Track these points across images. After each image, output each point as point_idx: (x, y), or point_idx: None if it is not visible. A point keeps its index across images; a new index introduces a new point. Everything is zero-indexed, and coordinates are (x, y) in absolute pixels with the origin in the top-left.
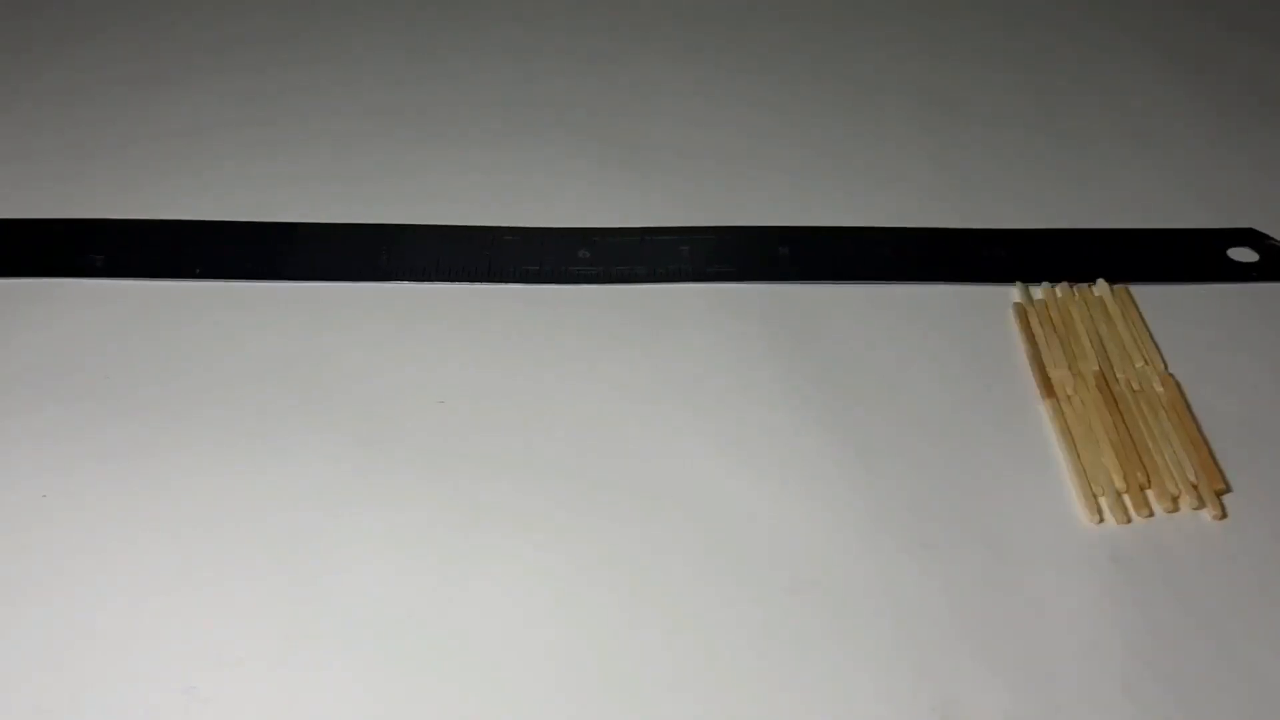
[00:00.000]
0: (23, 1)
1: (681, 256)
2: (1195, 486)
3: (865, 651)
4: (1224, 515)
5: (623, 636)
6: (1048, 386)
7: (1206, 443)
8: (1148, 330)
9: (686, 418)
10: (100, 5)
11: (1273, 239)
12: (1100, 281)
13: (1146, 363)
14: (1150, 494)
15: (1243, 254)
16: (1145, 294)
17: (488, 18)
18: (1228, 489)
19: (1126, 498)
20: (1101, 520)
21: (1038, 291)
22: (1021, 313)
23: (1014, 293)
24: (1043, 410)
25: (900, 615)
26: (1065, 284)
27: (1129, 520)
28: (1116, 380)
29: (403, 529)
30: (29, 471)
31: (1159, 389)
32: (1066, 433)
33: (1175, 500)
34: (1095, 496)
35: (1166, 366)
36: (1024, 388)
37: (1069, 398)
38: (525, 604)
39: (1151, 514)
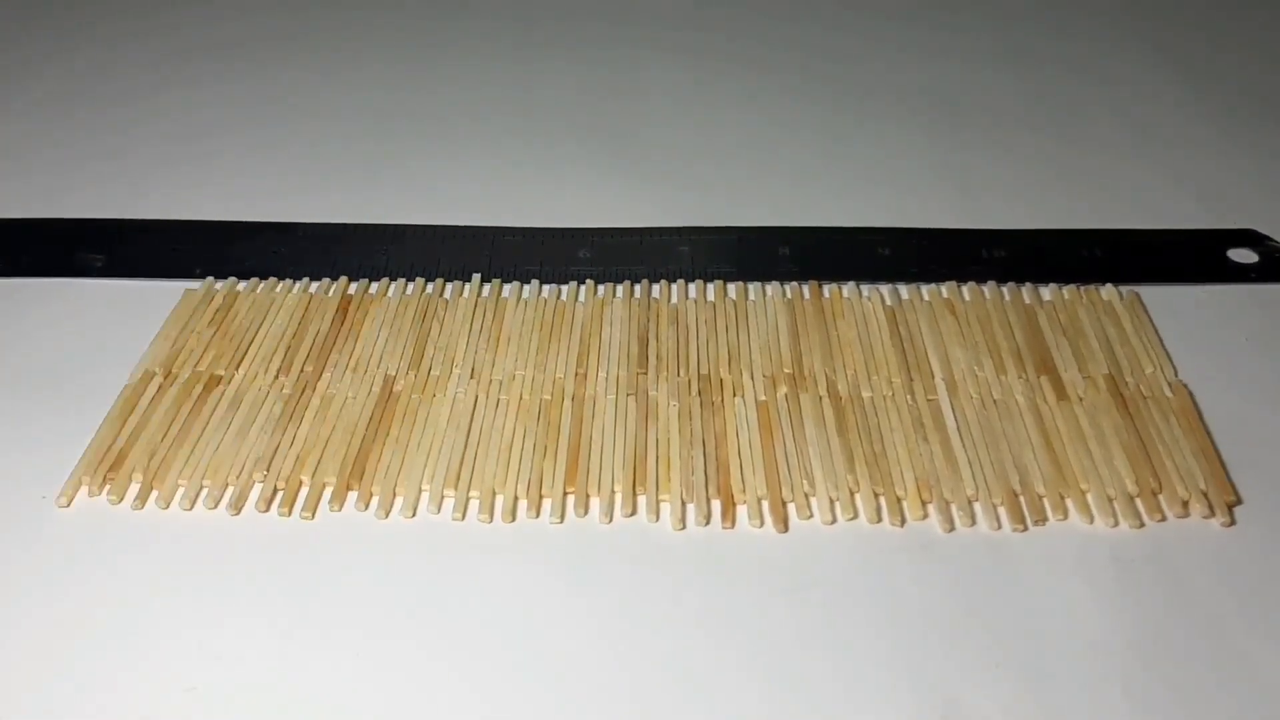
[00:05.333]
0: (25, 2)
1: (682, 257)
2: (1205, 493)
3: (865, 651)
4: (1232, 522)
5: (622, 637)
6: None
7: (1216, 450)
8: (1158, 335)
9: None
10: (102, 6)
11: (1273, 240)
12: (1108, 286)
13: (1156, 368)
14: (1161, 499)
15: (1242, 255)
16: (1144, 294)
17: (489, 17)
18: (1238, 499)
19: (1139, 501)
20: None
21: (1045, 292)
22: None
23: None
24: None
25: (900, 615)
26: (1074, 286)
27: (1142, 525)
28: (1126, 384)
29: (404, 528)
30: (29, 472)
31: (1169, 394)
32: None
33: (1185, 505)
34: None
35: (1177, 373)
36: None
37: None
38: (524, 601)
39: (1164, 518)
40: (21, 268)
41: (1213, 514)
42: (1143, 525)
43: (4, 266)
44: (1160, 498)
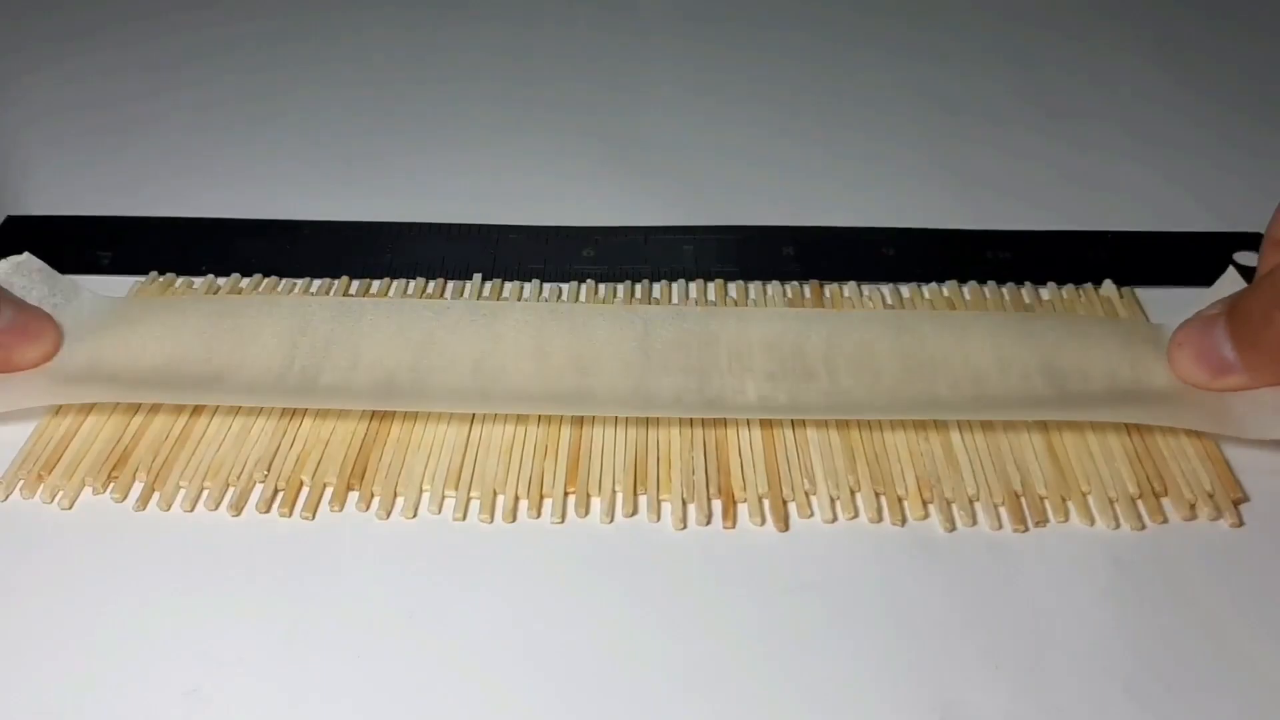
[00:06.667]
0: (29, 1)
1: (685, 256)
2: (1211, 495)
3: (865, 651)
4: (1240, 523)
5: (622, 637)
6: None
7: (1221, 451)
8: None
9: None
10: (106, 5)
11: None
12: (1107, 283)
13: None
14: (1166, 501)
15: (1249, 258)
16: (1150, 297)
17: (492, 16)
18: (1244, 497)
19: (1141, 503)
20: None
21: (1045, 292)
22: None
23: None
24: None
25: (900, 615)
26: (1071, 285)
27: (1144, 526)
28: None
29: (405, 528)
30: None
31: None
32: None
33: (1192, 507)
34: None
35: None
36: None
37: None
38: (525, 601)
39: (1166, 520)
40: None
41: (1220, 515)
42: (1144, 527)
43: None
44: (1165, 500)
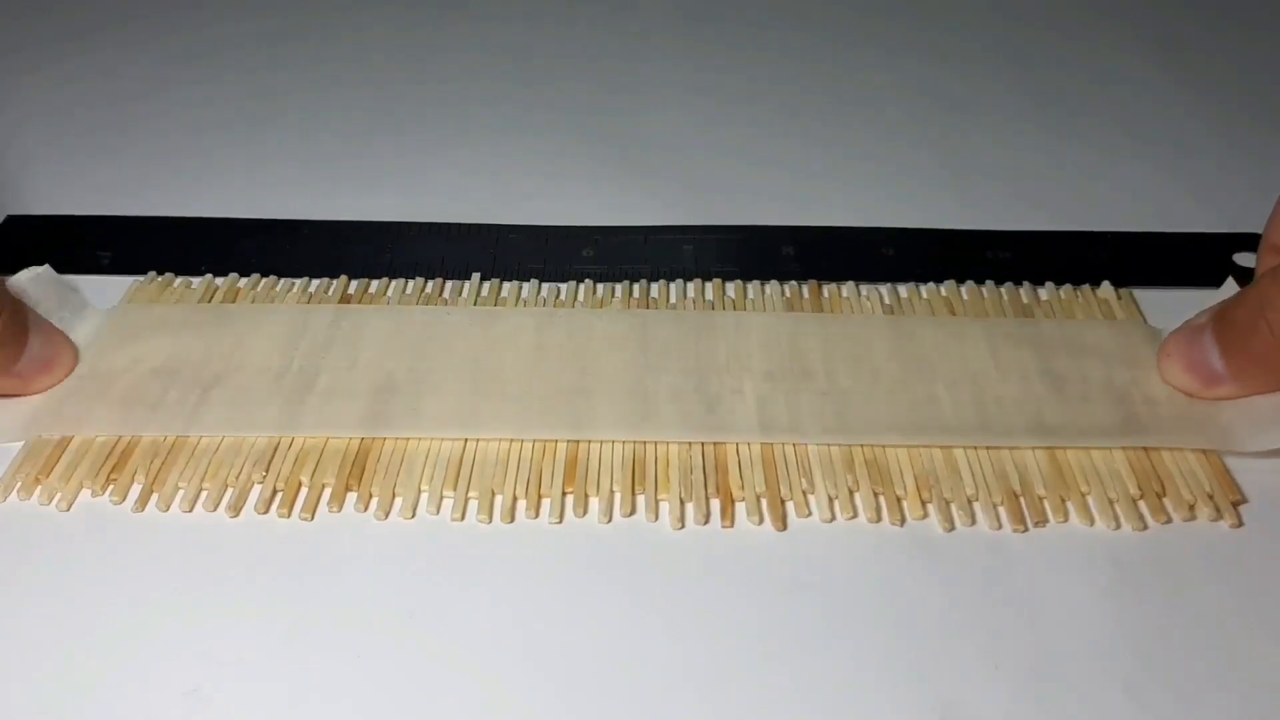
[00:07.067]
0: (33, 4)
1: (685, 256)
2: (1211, 496)
3: (864, 651)
4: (1240, 523)
5: (622, 637)
6: None
7: (1219, 453)
8: (1152, 333)
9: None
10: (105, 4)
11: None
12: (1105, 284)
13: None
14: (1166, 501)
15: (1249, 259)
16: (1150, 298)
17: (492, 16)
18: (1243, 498)
19: (1140, 504)
20: None
21: (1044, 293)
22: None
23: None
24: None
25: (900, 615)
26: (1069, 286)
27: (1144, 527)
28: None
29: (403, 529)
30: None
31: None
32: None
33: (1192, 509)
34: None
35: None
36: None
37: None
38: (523, 601)
39: (1166, 520)
40: (29, 264)
41: (1219, 516)
42: (1144, 528)
43: (11, 263)
44: (1165, 500)
